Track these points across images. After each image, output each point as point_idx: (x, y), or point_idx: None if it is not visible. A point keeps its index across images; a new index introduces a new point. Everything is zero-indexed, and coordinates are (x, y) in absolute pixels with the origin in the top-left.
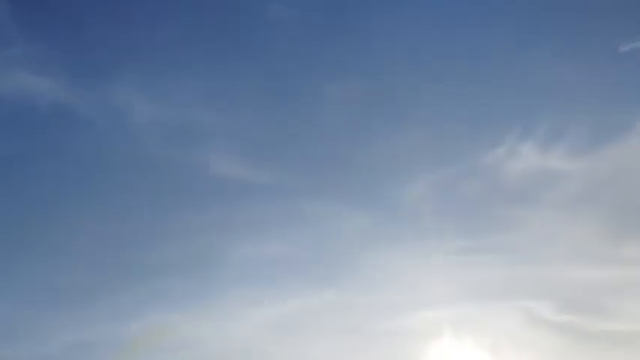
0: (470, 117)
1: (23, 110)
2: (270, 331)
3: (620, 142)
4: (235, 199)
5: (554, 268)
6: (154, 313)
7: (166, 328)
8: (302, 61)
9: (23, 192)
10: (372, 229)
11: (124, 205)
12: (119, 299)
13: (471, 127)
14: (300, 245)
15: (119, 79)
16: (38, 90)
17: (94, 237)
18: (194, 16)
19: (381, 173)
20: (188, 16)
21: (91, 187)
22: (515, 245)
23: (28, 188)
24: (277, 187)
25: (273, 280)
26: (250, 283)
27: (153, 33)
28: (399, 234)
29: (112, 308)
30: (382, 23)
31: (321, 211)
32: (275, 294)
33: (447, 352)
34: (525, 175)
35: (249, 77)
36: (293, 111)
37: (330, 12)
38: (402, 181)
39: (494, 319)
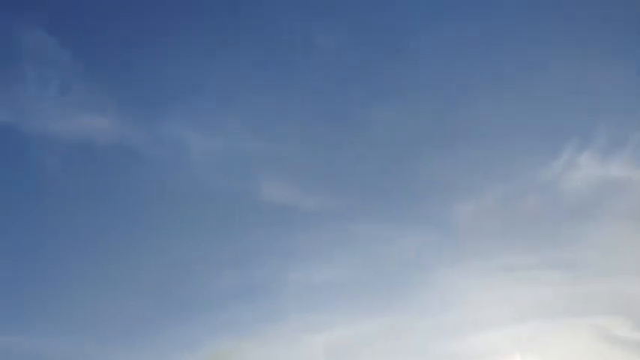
0: (525, 130)
1: (84, 148)
2: (327, 355)
3: None
4: (287, 224)
5: (623, 282)
6: (213, 341)
7: (227, 355)
8: (347, 86)
9: (87, 227)
10: (427, 249)
11: (181, 235)
12: (179, 329)
13: (527, 140)
14: (353, 269)
15: (172, 113)
16: (97, 128)
17: (154, 269)
18: (242, 49)
19: (433, 192)
20: (236, 49)
21: (149, 220)
22: (579, 260)
23: (90, 223)
24: (327, 211)
25: (328, 304)
26: (306, 308)
27: (202, 66)
28: (455, 253)
29: (173, 338)
30: (426, 43)
31: (374, 233)
32: (331, 318)
33: None
34: (586, 187)
35: (296, 105)
36: (340, 135)
37: (373, 37)
38: (456, 199)
39: (562, 338)
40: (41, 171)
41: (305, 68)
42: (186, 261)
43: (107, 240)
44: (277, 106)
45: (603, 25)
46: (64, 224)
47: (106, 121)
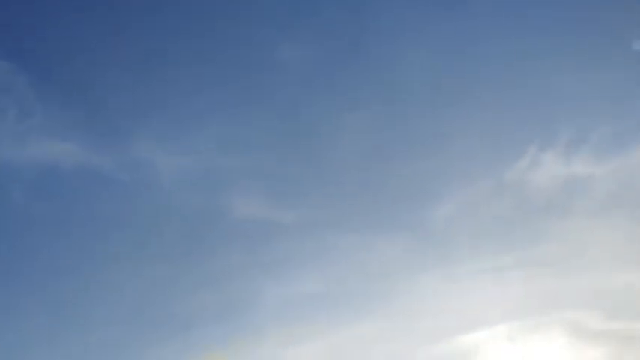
0: (488, 132)
1: (48, 174)
2: None
3: None
4: (262, 239)
5: (595, 276)
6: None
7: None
8: (315, 96)
9: (57, 254)
10: (403, 255)
11: (153, 257)
12: (156, 350)
13: (491, 142)
14: (332, 279)
15: (138, 134)
16: (61, 153)
17: (128, 292)
18: (205, 65)
19: (406, 199)
20: (199, 66)
21: (121, 243)
22: (551, 257)
23: (60, 250)
24: (303, 223)
25: (309, 315)
26: (287, 321)
27: (165, 85)
28: (431, 258)
29: (151, 356)
30: (390, 50)
31: (349, 242)
32: (313, 329)
33: None
34: (551, 185)
35: (264, 118)
36: (311, 146)
37: (337, 47)
38: (428, 204)
39: (539, 335)
40: (5, 201)
41: (271, 82)
42: (161, 281)
43: (79, 265)
44: (245, 121)
45: (565, 25)
46: (32, 253)
47: (69, 145)
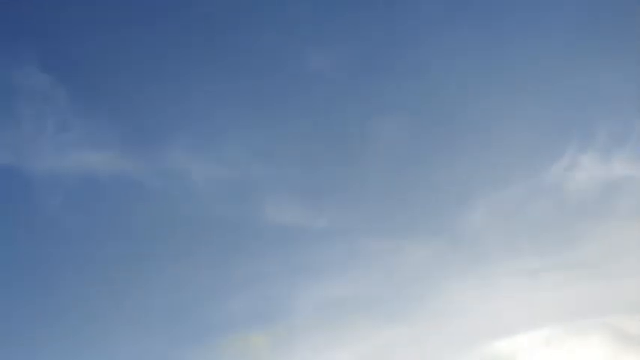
0: (525, 134)
1: (87, 185)
2: None
3: None
4: (295, 245)
5: (635, 280)
6: None
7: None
8: (346, 102)
9: (95, 263)
10: (436, 259)
11: (190, 264)
12: (193, 357)
13: (528, 144)
14: (363, 284)
15: (173, 143)
16: (98, 164)
17: (165, 299)
18: (239, 76)
19: (439, 203)
20: (233, 76)
21: (157, 251)
22: (589, 260)
23: (98, 258)
24: (334, 229)
25: (343, 320)
26: (319, 326)
27: (201, 96)
28: (463, 262)
29: None
30: (422, 53)
31: (381, 247)
32: (345, 335)
33: None
34: (590, 187)
35: (297, 126)
36: (342, 152)
37: (367, 53)
38: (462, 208)
39: (577, 341)
40: (44, 211)
41: (302, 90)
42: (197, 288)
43: (117, 274)
44: (278, 129)
45: (602, 23)
46: (71, 262)
47: (106, 155)
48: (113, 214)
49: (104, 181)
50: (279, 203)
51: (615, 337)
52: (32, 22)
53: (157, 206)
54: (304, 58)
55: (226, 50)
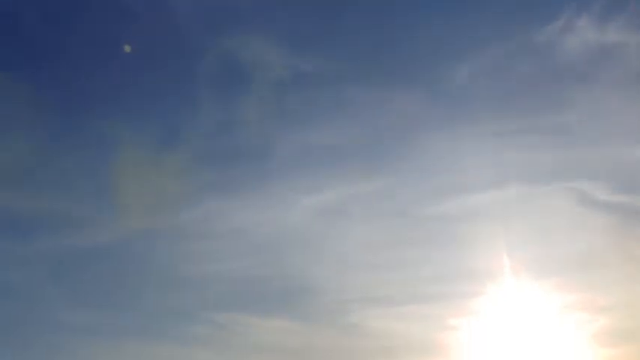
0: None
1: None
2: (320, 216)
3: None
4: (280, 86)
5: (609, 149)
6: (208, 202)
7: (218, 215)
8: None
9: None
10: (420, 113)
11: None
12: (177, 188)
13: (523, 2)
14: (347, 132)
15: None
16: None
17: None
18: None
19: (429, 55)
20: None
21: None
22: (568, 126)
23: None
24: (322, 74)
25: (320, 167)
26: (300, 171)
27: None
28: (447, 118)
29: (171, 197)
30: None
31: (368, 97)
32: (322, 181)
33: (494, 234)
34: (582, 52)
35: None
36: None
37: None
38: (450, 63)
39: (544, 201)
40: None
41: None
42: (190, 124)
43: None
44: None
45: None
46: None
47: None
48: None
49: None
50: (265, 40)
51: (582, 202)
52: None
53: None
54: None
55: None
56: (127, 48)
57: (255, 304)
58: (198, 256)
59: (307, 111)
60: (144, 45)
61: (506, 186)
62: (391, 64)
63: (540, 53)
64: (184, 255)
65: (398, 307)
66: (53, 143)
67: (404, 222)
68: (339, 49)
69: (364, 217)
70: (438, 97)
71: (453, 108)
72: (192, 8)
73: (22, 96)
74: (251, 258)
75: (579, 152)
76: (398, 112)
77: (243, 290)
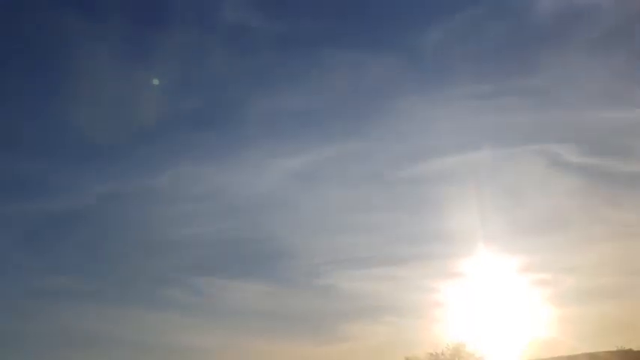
0: None
1: None
2: (293, 180)
3: None
4: (253, 49)
5: (580, 111)
6: (180, 166)
7: (193, 178)
8: None
9: None
10: (394, 76)
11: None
12: (147, 151)
13: None
14: (320, 96)
15: None
16: None
17: (125, 90)
18: None
19: (403, 17)
20: None
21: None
22: (540, 88)
23: None
24: (294, 36)
25: (294, 131)
26: (272, 134)
27: None
28: (421, 80)
29: (142, 160)
30: None
31: (342, 59)
32: (297, 145)
33: (467, 196)
34: (553, 13)
35: None
36: None
37: None
38: (424, 25)
39: (516, 163)
40: None
41: None
42: (157, 86)
43: None
44: None
45: None
46: None
47: None
48: None
49: None
50: (237, 1)
51: (552, 164)
52: None
53: None
54: None
55: None
56: None
57: (231, 268)
58: (172, 220)
59: (277, 74)
60: None
61: (479, 148)
62: (365, 27)
63: (512, 16)
64: (158, 218)
65: (372, 269)
66: None
67: (378, 185)
68: (315, 9)
69: (338, 180)
70: (410, 61)
71: (425, 72)
72: None
73: None
74: (226, 221)
75: (551, 115)
76: (372, 76)
77: (218, 254)
